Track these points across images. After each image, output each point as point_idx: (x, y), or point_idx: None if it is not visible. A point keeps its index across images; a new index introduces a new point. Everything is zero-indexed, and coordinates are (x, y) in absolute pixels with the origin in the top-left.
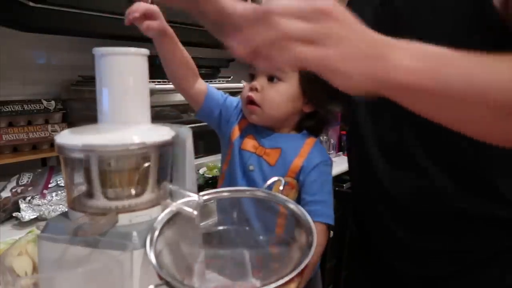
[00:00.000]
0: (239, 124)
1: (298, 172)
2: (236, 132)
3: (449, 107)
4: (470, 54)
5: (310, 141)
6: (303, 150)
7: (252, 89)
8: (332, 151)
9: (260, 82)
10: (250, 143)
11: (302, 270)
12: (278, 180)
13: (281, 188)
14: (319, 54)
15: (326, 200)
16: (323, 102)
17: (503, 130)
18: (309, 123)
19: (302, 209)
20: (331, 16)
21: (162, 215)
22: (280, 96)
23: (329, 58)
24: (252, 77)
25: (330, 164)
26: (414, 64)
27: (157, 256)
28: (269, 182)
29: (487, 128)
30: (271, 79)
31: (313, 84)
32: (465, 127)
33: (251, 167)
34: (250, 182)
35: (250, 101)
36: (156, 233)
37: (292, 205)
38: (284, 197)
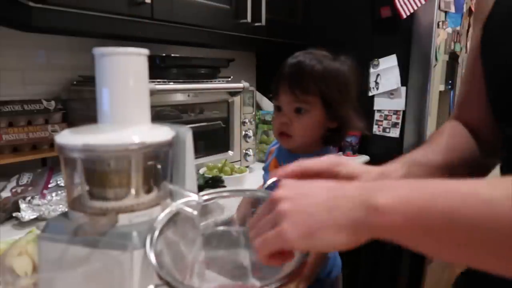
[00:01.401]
0: (269, 155)
1: None
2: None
3: (449, 245)
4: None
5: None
6: None
7: (282, 123)
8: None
9: (289, 115)
10: (273, 164)
11: (301, 270)
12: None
13: None
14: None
15: None
16: (346, 118)
17: None
18: (334, 136)
19: None
20: (282, 199)
21: (162, 215)
22: (309, 124)
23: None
24: (278, 108)
25: None
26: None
27: (157, 256)
28: (268, 182)
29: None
30: (298, 110)
31: (335, 105)
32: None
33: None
34: None
35: (282, 133)
36: (156, 233)
37: None
38: None
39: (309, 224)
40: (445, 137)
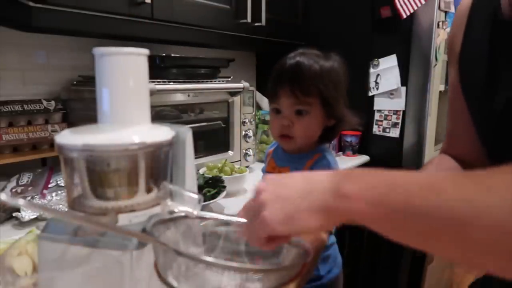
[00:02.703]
0: (267, 157)
1: None
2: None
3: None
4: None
5: (315, 156)
6: (305, 166)
7: (283, 126)
8: (332, 151)
9: (290, 117)
10: (270, 165)
11: (301, 270)
12: None
13: None
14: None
15: None
16: (342, 114)
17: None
18: (328, 134)
19: None
20: (262, 191)
21: (162, 215)
22: (310, 125)
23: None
24: (277, 111)
25: None
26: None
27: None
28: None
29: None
30: (299, 112)
31: (333, 103)
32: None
33: None
34: None
35: (283, 135)
36: (153, 220)
37: None
38: None
39: (286, 209)
40: (434, 165)
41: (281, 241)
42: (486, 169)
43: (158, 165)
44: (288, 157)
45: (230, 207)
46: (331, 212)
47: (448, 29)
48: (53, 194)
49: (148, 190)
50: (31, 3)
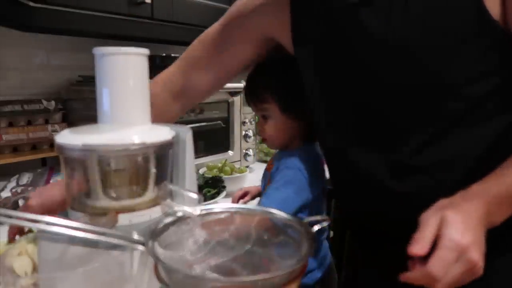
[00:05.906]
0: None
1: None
2: None
3: None
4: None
5: (294, 152)
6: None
7: (259, 129)
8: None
9: (260, 123)
10: (269, 163)
11: (301, 271)
12: None
13: None
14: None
15: (269, 194)
16: (307, 117)
17: None
18: (310, 133)
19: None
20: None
21: (163, 216)
22: (273, 129)
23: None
24: None
25: (291, 167)
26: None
27: (157, 255)
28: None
29: None
30: (263, 117)
31: (291, 109)
32: None
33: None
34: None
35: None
36: (157, 233)
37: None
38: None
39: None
40: None
41: None
42: None
43: (158, 165)
44: (279, 153)
45: None
46: None
47: None
48: None
49: (148, 190)
50: (31, 3)
